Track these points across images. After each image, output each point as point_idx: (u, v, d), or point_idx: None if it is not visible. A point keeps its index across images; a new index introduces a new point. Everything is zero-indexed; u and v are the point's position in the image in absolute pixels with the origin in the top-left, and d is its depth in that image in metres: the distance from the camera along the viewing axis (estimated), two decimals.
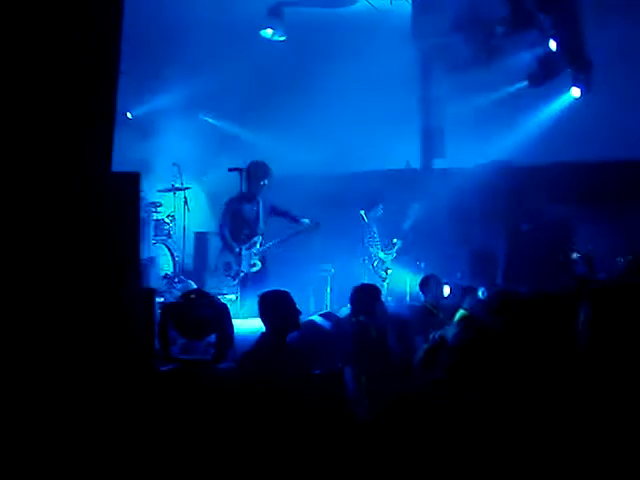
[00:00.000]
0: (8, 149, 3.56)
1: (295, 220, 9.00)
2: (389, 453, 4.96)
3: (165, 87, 10.25)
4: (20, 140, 3.62)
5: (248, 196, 8.62)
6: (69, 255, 3.85)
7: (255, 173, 8.56)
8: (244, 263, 8.50)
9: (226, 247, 8.67)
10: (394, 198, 10.26)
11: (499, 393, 2.36)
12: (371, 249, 10.01)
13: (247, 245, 8.53)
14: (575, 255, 8.99)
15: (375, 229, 10.13)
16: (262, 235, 8.74)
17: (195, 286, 8.14)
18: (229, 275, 8.56)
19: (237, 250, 8.53)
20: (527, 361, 2.56)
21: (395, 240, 9.95)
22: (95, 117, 3.99)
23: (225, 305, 5.65)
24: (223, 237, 8.69)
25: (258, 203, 8.74)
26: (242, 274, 8.49)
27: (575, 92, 10.22)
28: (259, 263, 8.62)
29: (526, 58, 9.94)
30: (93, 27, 3.97)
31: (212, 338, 5.31)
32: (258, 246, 8.63)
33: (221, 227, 8.72)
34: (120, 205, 4.21)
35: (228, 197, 8.74)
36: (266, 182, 8.61)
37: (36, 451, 3.50)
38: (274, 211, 8.92)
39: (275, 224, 9.07)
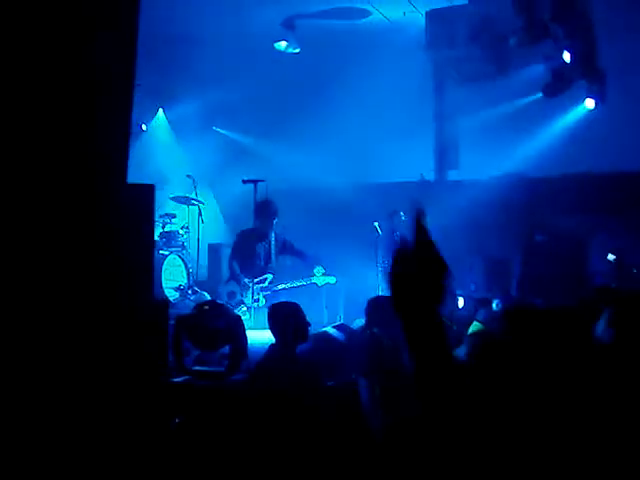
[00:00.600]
0: (26, 161, 3.59)
1: (308, 260, 8.96)
2: (403, 467, 4.92)
3: (180, 99, 10.32)
4: (37, 151, 3.65)
5: (259, 233, 8.64)
6: (84, 266, 3.87)
7: (265, 211, 8.59)
8: (249, 295, 8.44)
9: (233, 277, 8.66)
10: (408, 210, 10.25)
11: (513, 409, 2.33)
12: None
13: (257, 280, 8.55)
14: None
15: (394, 240, 10.13)
16: (274, 274, 8.76)
17: (209, 297, 8.14)
18: (230, 304, 8.52)
19: (244, 281, 8.53)
20: (542, 376, 2.53)
21: None
22: (111, 129, 4.02)
23: (239, 316, 5.68)
24: (231, 269, 8.68)
25: (270, 240, 8.76)
26: (244, 306, 8.48)
27: (589, 103, 10.20)
28: (263, 300, 8.56)
29: (540, 69, 9.92)
30: (109, 40, 4.00)
31: (226, 349, 5.34)
32: (267, 283, 8.65)
33: (231, 259, 8.71)
34: (134, 216, 4.24)
35: (240, 230, 8.79)
36: (276, 220, 8.61)
37: (46, 462, 3.51)
38: (285, 249, 8.94)
39: (289, 264, 9.11)
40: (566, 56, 9.41)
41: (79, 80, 3.76)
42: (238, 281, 8.59)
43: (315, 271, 8.91)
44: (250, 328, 6.46)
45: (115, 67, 4.09)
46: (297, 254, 9.07)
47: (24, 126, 3.59)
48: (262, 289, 8.58)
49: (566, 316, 2.89)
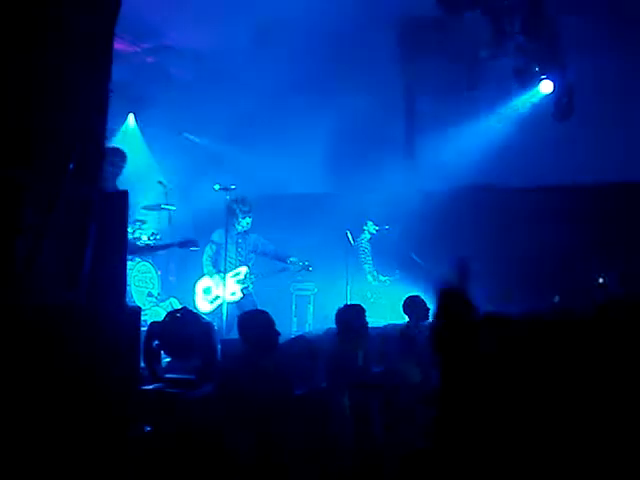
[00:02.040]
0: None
1: (282, 259, 9.09)
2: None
3: (150, 104, 10.29)
4: (10, 156, 3.63)
5: (234, 229, 8.73)
6: (55, 269, 3.84)
7: (237, 210, 8.63)
8: (223, 290, 8.57)
9: (207, 274, 8.80)
10: (379, 219, 10.33)
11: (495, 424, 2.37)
12: (364, 267, 10.10)
13: (231, 273, 8.61)
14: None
15: (368, 248, 10.22)
16: (248, 267, 8.85)
17: (178, 304, 8.12)
18: (206, 299, 8.67)
19: (219, 275, 8.63)
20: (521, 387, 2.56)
21: (395, 272, 10.03)
22: (86, 134, 3.99)
23: (211, 324, 5.67)
24: (207, 267, 8.82)
25: (244, 239, 8.82)
26: (219, 298, 8.62)
27: (546, 86, 10.05)
28: (239, 293, 8.69)
29: (510, 83, 10.04)
30: (84, 42, 3.98)
31: (198, 357, 5.33)
32: (242, 276, 8.68)
33: (205, 259, 8.84)
34: (108, 222, 4.21)
35: (215, 230, 8.86)
36: (249, 219, 8.69)
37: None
38: (258, 249, 9.00)
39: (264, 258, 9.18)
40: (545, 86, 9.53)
41: (53, 83, 3.74)
42: (211, 276, 8.72)
43: (289, 260, 9.03)
44: None
45: (90, 71, 4.08)
46: (269, 254, 9.17)
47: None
48: (238, 282, 8.64)
49: (538, 324, 2.95)
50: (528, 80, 9.98)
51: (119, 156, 7.48)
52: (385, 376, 6.07)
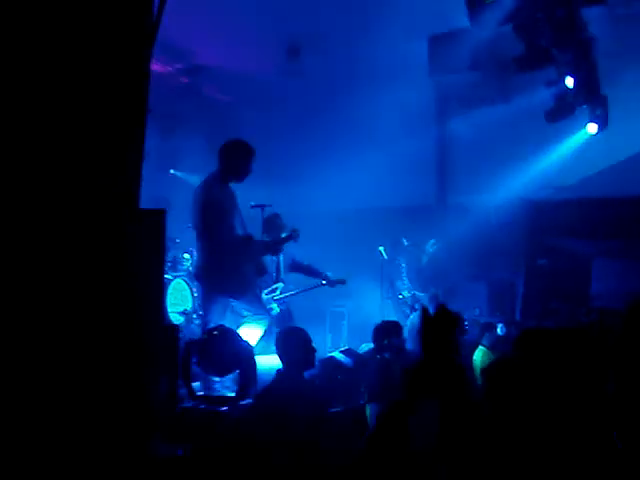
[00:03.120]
0: (40, 185, 3.60)
1: (317, 275, 9.04)
2: None
3: (185, 125, 10.41)
4: (50, 175, 3.66)
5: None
6: (94, 291, 3.87)
7: (271, 225, 8.65)
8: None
9: None
10: (411, 234, 10.31)
11: (537, 434, 2.33)
12: (396, 283, 10.06)
13: (267, 290, 8.58)
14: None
15: (403, 264, 10.17)
16: (284, 283, 8.80)
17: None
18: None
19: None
20: (560, 396, 2.53)
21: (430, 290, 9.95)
22: (125, 151, 4.03)
23: (248, 342, 5.68)
24: None
25: (278, 255, 8.80)
26: None
27: (592, 128, 10.25)
28: (277, 308, 8.65)
29: (543, 95, 9.98)
30: (123, 61, 4.02)
31: (235, 375, 5.33)
32: (278, 292, 8.68)
33: None
34: (146, 241, 4.24)
35: None
36: (283, 235, 8.67)
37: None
38: (294, 265, 8.98)
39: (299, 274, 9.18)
40: (569, 81, 9.47)
41: (92, 98, 3.78)
42: None
43: (324, 275, 9.00)
44: None
45: (129, 91, 4.11)
46: (305, 270, 9.11)
47: (35, 148, 3.61)
48: (274, 299, 8.66)
49: (575, 337, 2.91)
50: (561, 94, 9.94)
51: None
52: None
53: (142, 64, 4.24)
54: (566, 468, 2.23)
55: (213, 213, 6.80)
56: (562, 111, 9.95)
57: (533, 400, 2.54)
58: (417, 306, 9.87)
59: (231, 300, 6.77)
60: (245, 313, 6.80)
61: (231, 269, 6.70)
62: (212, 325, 5.96)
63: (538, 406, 2.49)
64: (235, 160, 7.06)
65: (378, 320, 6.64)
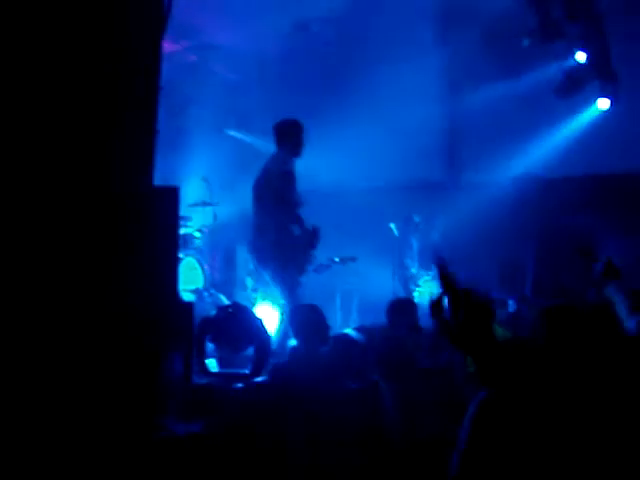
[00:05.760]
0: (56, 164, 3.59)
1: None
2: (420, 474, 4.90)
3: (194, 103, 10.37)
4: (66, 153, 3.65)
5: None
6: (110, 267, 3.87)
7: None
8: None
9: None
10: (421, 211, 10.27)
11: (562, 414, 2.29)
12: (405, 261, 10.02)
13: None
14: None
15: (413, 242, 10.14)
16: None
17: (226, 300, 8.15)
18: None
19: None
20: (587, 377, 2.47)
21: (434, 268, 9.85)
22: (139, 130, 4.02)
23: (262, 319, 5.67)
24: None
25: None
26: None
27: (602, 103, 10.16)
28: None
29: (554, 70, 9.90)
30: (137, 43, 4.00)
31: (250, 351, 5.33)
32: None
33: None
34: (161, 218, 4.23)
35: None
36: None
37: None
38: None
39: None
40: (580, 56, 9.39)
41: (104, 76, 3.76)
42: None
43: (334, 258, 8.98)
44: None
45: (142, 69, 4.10)
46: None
47: (49, 127, 3.60)
48: None
49: (599, 313, 2.87)
50: (572, 70, 9.85)
51: None
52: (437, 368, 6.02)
53: (155, 44, 4.23)
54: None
55: (288, 183, 7.12)
56: (573, 87, 9.86)
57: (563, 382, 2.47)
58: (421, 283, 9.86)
59: (270, 273, 6.89)
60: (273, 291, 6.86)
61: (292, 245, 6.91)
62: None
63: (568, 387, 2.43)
64: (295, 138, 7.41)
65: (388, 298, 6.62)
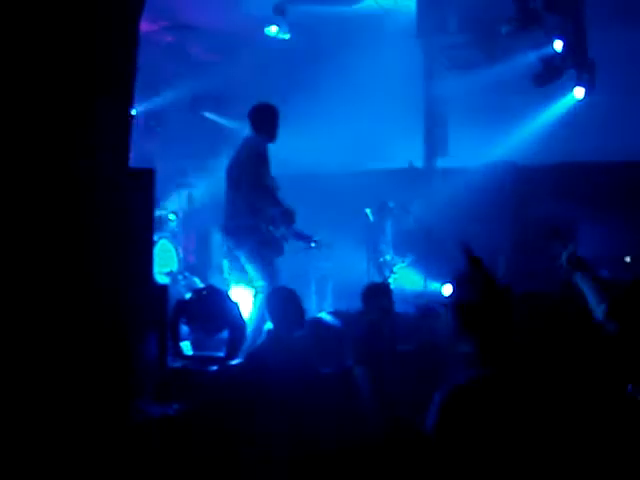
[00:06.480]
0: (29, 147, 3.54)
1: (304, 239, 8.93)
2: (398, 460, 4.94)
3: (170, 84, 10.28)
4: (38, 135, 3.60)
5: None
6: (84, 250, 3.83)
7: None
8: None
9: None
10: (397, 197, 10.26)
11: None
12: (380, 246, 10.02)
13: None
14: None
15: (388, 228, 10.15)
16: None
17: (200, 283, 8.13)
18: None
19: None
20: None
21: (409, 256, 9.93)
22: (114, 112, 3.97)
23: (237, 302, 5.66)
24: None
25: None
26: None
27: (578, 92, 10.20)
28: None
29: (531, 58, 9.92)
30: (113, 22, 3.95)
31: (224, 334, 5.33)
32: None
33: None
34: (135, 200, 4.20)
35: None
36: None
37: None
38: None
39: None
40: (557, 45, 9.42)
41: (79, 56, 3.71)
42: None
43: (312, 239, 8.92)
44: None
45: (117, 52, 4.05)
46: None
47: (20, 108, 3.54)
48: None
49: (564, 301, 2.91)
50: (549, 58, 9.88)
51: None
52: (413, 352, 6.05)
53: (133, 24, 4.18)
54: None
55: (263, 166, 7.14)
56: (550, 75, 9.90)
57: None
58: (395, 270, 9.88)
59: (245, 254, 6.86)
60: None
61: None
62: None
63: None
64: (270, 122, 7.41)
65: (363, 283, 6.62)
